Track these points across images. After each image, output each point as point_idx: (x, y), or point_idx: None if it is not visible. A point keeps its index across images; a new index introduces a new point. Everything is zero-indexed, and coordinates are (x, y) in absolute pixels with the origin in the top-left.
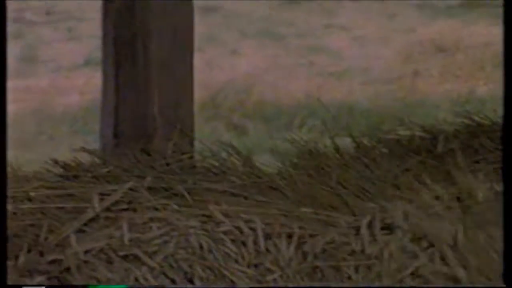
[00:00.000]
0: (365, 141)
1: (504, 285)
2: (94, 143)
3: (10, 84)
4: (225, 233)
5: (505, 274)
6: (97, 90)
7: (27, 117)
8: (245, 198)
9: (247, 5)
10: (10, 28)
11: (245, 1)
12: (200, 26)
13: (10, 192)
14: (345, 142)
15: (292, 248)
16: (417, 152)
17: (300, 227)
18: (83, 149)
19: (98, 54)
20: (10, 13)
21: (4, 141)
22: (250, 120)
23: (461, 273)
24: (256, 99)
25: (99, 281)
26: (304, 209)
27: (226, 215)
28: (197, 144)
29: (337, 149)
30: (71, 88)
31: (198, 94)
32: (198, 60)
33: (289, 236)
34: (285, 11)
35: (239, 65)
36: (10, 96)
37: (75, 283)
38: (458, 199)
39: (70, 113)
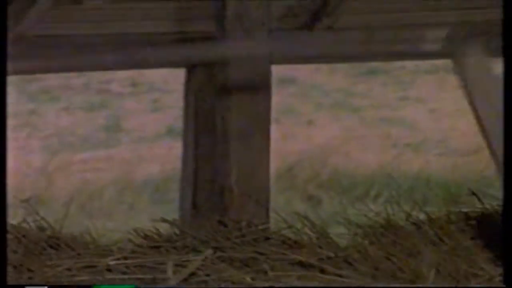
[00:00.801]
0: (441, 214)
1: (504, 285)
2: (173, 213)
3: (93, 153)
4: None
5: (505, 274)
6: (178, 160)
7: (109, 186)
8: (320, 271)
9: (323, 77)
10: (96, 98)
11: (321, 73)
12: (277, 97)
13: (90, 262)
14: (421, 214)
15: None
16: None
17: None
18: (163, 220)
19: (179, 125)
20: (96, 84)
21: (4, 142)
22: (325, 191)
23: None
24: (331, 170)
25: None
26: (379, 285)
27: None
28: (272, 214)
29: (412, 221)
30: (153, 157)
31: (274, 164)
32: (274, 131)
33: None
34: (361, 83)
35: (314, 136)
36: (93, 165)
37: None
38: None
39: (151, 183)
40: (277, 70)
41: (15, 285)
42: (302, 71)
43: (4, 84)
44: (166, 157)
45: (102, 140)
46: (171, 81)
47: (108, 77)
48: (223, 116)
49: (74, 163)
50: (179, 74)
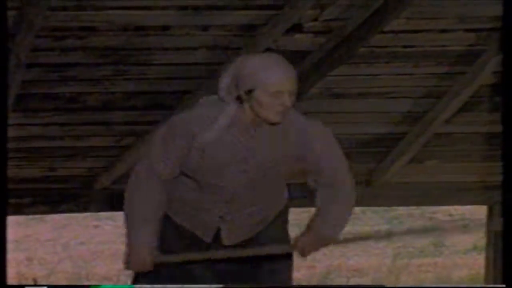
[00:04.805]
0: None
1: (504, 285)
2: None
3: (424, 260)
4: None
5: (505, 274)
6: (481, 268)
7: (433, 284)
8: None
9: None
10: (427, 223)
11: None
12: None
13: None
14: None
15: None
16: None
17: None
18: None
19: (482, 243)
20: (428, 214)
21: (5, 142)
22: None
23: None
24: None
25: None
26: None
27: None
28: None
29: None
30: (463, 265)
31: None
32: None
33: None
34: None
35: None
36: (424, 268)
37: None
38: None
39: (462, 282)
40: None
41: (15, 285)
42: None
43: (4, 83)
44: (472, 265)
45: (431, 251)
46: (476, 213)
47: (434, 209)
48: None
49: (412, 265)
50: (482, 209)
